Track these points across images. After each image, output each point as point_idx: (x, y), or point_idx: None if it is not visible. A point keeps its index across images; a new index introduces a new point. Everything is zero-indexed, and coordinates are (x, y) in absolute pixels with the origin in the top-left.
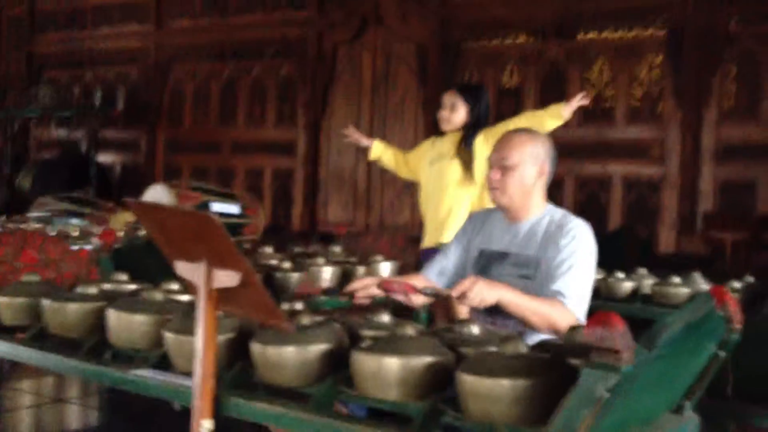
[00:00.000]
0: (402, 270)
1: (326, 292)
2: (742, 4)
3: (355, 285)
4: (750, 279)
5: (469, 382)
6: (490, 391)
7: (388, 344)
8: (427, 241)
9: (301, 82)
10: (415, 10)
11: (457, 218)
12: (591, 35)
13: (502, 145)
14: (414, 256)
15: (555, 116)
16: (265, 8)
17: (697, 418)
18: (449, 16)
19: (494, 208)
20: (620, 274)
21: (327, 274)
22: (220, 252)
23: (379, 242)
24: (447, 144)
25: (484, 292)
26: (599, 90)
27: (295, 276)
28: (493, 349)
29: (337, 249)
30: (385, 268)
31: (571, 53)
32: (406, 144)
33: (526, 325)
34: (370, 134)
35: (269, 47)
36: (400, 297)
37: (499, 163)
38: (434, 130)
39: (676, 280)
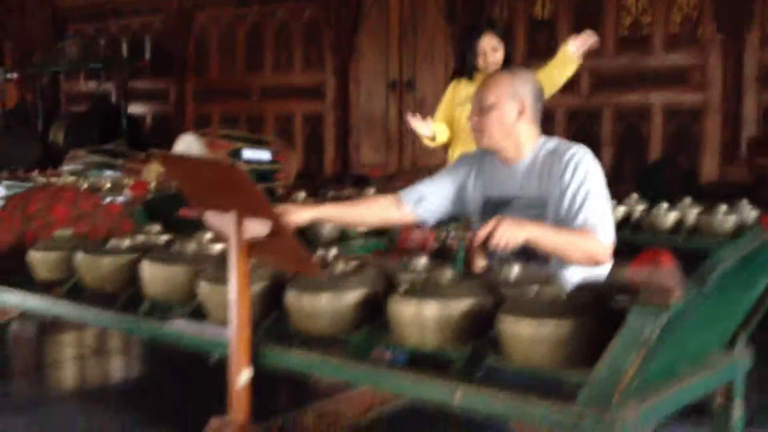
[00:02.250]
0: None
1: (361, 236)
2: None
3: None
4: None
5: (510, 324)
6: (532, 334)
7: (426, 288)
8: None
9: (326, 25)
10: None
11: None
12: None
13: (480, 87)
14: None
15: (563, 62)
16: None
17: (749, 353)
18: None
19: (484, 152)
20: (664, 205)
21: None
22: (249, 202)
23: (411, 182)
24: (475, 85)
25: (512, 231)
26: (636, 17)
27: (331, 225)
28: (533, 290)
29: (371, 191)
30: None
31: None
32: (437, 83)
33: (563, 260)
34: (400, 77)
35: None
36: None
37: (478, 105)
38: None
39: (723, 208)
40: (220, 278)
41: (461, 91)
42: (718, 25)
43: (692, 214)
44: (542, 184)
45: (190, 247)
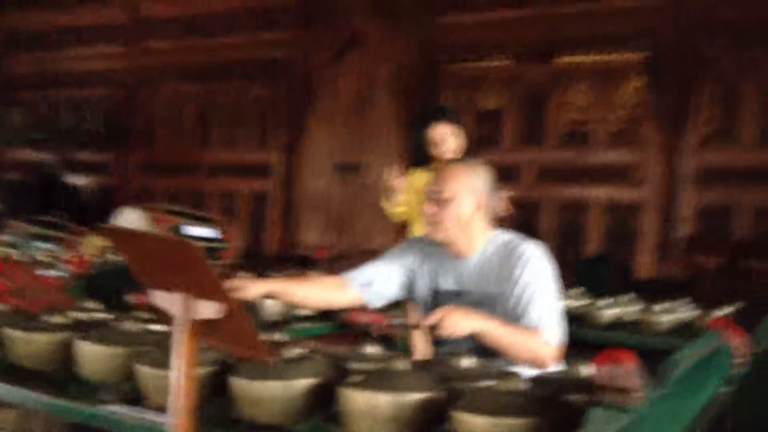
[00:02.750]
0: None
1: (306, 318)
2: (721, 29)
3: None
4: (739, 304)
5: (465, 421)
6: (488, 431)
7: (379, 379)
8: None
9: (278, 104)
10: (393, 32)
11: None
12: (572, 58)
13: (437, 177)
14: None
15: None
16: (241, 30)
17: None
18: (430, 37)
19: (433, 242)
20: (603, 301)
21: None
22: (200, 281)
23: (358, 265)
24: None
25: (460, 322)
26: (579, 113)
27: (273, 304)
28: (488, 384)
29: (316, 273)
30: None
31: (552, 76)
32: (383, 167)
33: (505, 357)
34: (348, 158)
35: (244, 69)
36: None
37: (434, 197)
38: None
39: (664, 306)
40: (161, 361)
41: (418, 180)
42: (657, 125)
43: (632, 310)
44: (493, 280)
45: (129, 326)
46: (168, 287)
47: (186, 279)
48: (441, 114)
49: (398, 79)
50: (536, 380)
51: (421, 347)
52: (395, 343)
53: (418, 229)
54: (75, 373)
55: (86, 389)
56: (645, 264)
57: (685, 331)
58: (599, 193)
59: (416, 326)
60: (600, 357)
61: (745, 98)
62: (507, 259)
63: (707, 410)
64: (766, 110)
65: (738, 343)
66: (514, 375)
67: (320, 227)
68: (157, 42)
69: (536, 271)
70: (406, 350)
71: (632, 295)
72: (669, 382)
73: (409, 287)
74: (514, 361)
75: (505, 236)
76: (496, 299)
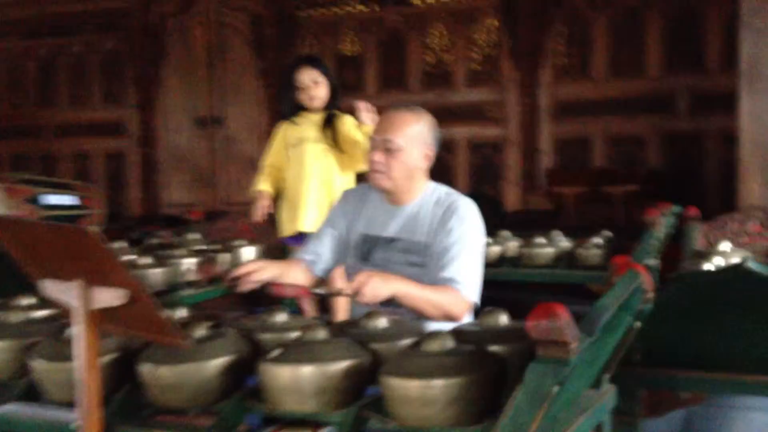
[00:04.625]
0: (267, 253)
1: (191, 284)
2: None
3: (241, 270)
4: (608, 233)
5: (396, 385)
6: (422, 394)
7: (300, 351)
8: (287, 229)
9: (128, 57)
10: None
11: (317, 203)
12: (429, 0)
13: (385, 125)
14: (277, 236)
15: (362, 133)
16: None
17: (613, 389)
18: None
19: (370, 188)
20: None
21: (188, 265)
22: (99, 268)
23: (238, 225)
24: (305, 125)
25: (379, 287)
26: (439, 55)
27: (158, 272)
28: (413, 344)
29: (195, 236)
30: (250, 252)
31: (410, 19)
32: (247, 120)
33: (420, 316)
34: (210, 111)
35: (89, 21)
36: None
37: (383, 146)
38: (276, 103)
39: (541, 240)
40: (59, 354)
41: (290, 132)
42: (514, 64)
43: (512, 246)
44: (427, 231)
45: (13, 317)
46: (61, 276)
47: (82, 266)
48: (309, 60)
49: (254, 27)
50: (458, 335)
51: (343, 310)
52: (282, 301)
53: (289, 182)
54: None
55: None
56: (512, 198)
57: (563, 261)
58: (463, 131)
59: (339, 293)
60: (534, 311)
61: (596, 33)
62: (442, 211)
63: (619, 349)
64: (615, 44)
65: (645, 279)
66: (439, 333)
67: (184, 184)
68: None
69: (468, 227)
70: (295, 310)
71: (508, 231)
72: (597, 329)
73: (348, 242)
74: (429, 319)
75: (442, 188)
76: (425, 248)
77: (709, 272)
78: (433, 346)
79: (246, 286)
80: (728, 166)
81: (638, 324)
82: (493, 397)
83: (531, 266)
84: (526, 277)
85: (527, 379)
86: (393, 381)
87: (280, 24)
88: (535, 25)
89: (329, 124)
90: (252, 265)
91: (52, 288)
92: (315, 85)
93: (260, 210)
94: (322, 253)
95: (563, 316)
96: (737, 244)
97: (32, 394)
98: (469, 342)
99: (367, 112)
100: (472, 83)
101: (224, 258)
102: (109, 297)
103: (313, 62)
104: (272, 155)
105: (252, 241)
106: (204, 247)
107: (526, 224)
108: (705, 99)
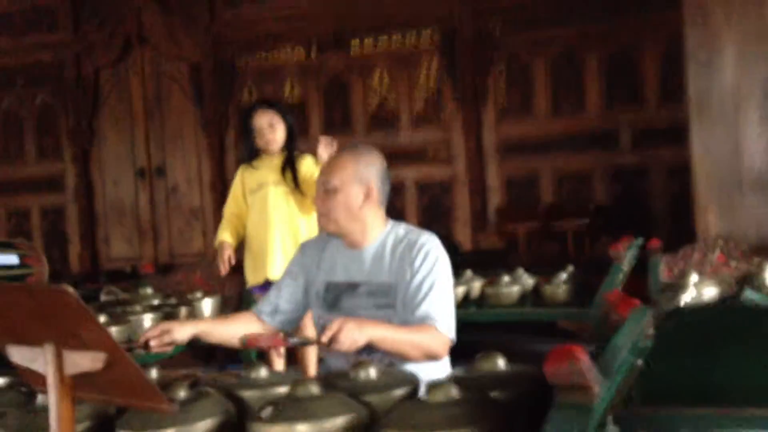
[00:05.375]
0: (225, 304)
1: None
2: (505, 10)
3: (151, 332)
4: (570, 269)
5: None
6: None
7: (292, 408)
8: (254, 278)
9: (62, 110)
10: (182, 28)
11: (283, 248)
12: (367, 45)
13: (326, 166)
14: (235, 286)
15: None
16: (10, 32)
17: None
18: (220, 32)
19: (329, 236)
20: None
21: (148, 321)
22: (72, 330)
23: (191, 277)
24: (265, 169)
25: (354, 334)
26: (382, 97)
27: (117, 330)
28: (403, 393)
29: (148, 290)
30: (208, 304)
31: (351, 63)
32: (189, 170)
33: (401, 358)
34: (149, 163)
35: (21, 75)
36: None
37: (322, 188)
38: (218, 152)
39: (505, 278)
40: (30, 426)
41: (250, 177)
42: (457, 104)
43: (476, 286)
44: (391, 271)
45: None
46: (29, 341)
47: (52, 329)
48: (265, 103)
49: (192, 77)
50: (458, 383)
51: (313, 362)
52: (247, 355)
53: (252, 229)
54: None
55: None
56: (462, 237)
57: (528, 299)
58: (411, 173)
59: (316, 342)
60: (552, 355)
61: (535, 73)
62: (405, 250)
63: (623, 389)
64: (554, 83)
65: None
66: (442, 383)
67: (128, 238)
68: None
69: (434, 263)
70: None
71: (469, 271)
72: (614, 371)
73: (309, 290)
74: (409, 360)
75: (401, 227)
76: (391, 289)
77: (707, 305)
78: (438, 396)
79: (160, 349)
80: (675, 198)
81: (640, 362)
82: None
83: (497, 306)
84: (494, 318)
85: (549, 429)
86: None
87: (219, 73)
88: (474, 67)
89: (289, 166)
90: (161, 327)
91: (19, 354)
92: (271, 128)
93: (225, 262)
94: (280, 304)
95: (584, 358)
96: (702, 275)
97: None
98: (471, 390)
99: (326, 146)
100: (417, 124)
101: (183, 312)
102: (84, 361)
103: (270, 105)
104: (232, 202)
105: (208, 293)
106: (160, 302)
107: (480, 264)
108: (647, 133)
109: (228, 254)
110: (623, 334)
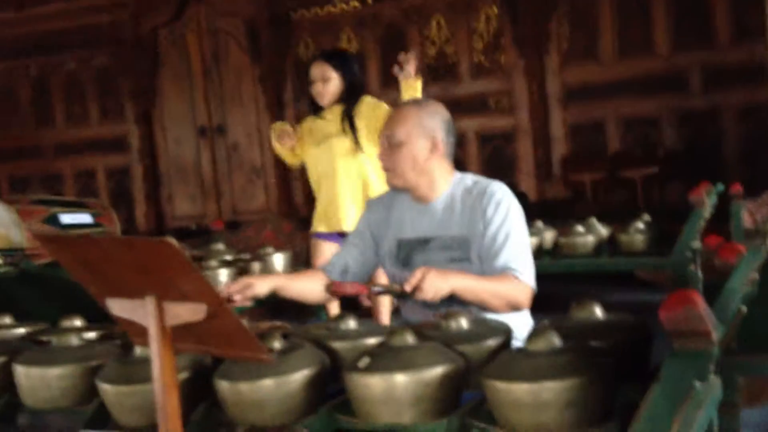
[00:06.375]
0: (295, 259)
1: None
2: None
3: (233, 287)
4: (647, 217)
5: (505, 389)
6: (535, 398)
7: (391, 358)
8: (322, 226)
9: (121, 71)
10: None
11: (353, 199)
12: None
13: (388, 120)
14: (303, 241)
15: (409, 88)
16: None
17: (719, 380)
18: None
19: (395, 192)
20: None
21: (223, 276)
22: (172, 282)
23: (261, 233)
24: (329, 120)
25: (438, 282)
26: (440, 46)
27: None
28: (497, 343)
29: (220, 246)
30: (279, 259)
31: (407, 12)
32: (249, 127)
33: (483, 308)
34: (210, 121)
35: (80, 37)
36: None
37: (386, 141)
38: (276, 107)
39: (579, 228)
40: (130, 376)
41: (317, 128)
42: (518, 51)
43: (549, 237)
44: (463, 223)
45: (69, 340)
46: (130, 293)
47: (152, 281)
48: (323, 54)
49: (248, 32)
50: (558, 331)
51: (387, 312)
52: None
53: (322, 179)
54: (17, 404)
55: (36, 420)
56: (526, 187)
57: (604, 249)
58: (472, 124)
59: (401, 292)
60: (668, 301)
61: (601, 14)
62: (477, 201)
63: (728, 336)
64: (621, 23)
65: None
66: (543, 331)
67: (191, 196)
68: None
69: (508, 211)
70: (324, 315)
71: (540, 222)
72: (730, 316)
73: (380, 251)
74: (493, 311)
75: (469, 177)
76: (465, 241)
77: None
78: (539, 345)
79: (242, 303)
80: (748, 142)
81: (744, 308)
82: (609, 397)
83: (572, 256)
84: (568, 268)
85: (665, 375)
86: (501, 385)
87: (275, 27)
88: (536, 10)
89: (347, 120)
90: (243, 282)
91: (120, 307)
92: (323, 82)
93: (287, 134)
94: (349, 264)
95: (701, 303)
96: None
97: (102, 419)
98: (570, 338)
99: (410, 63)
100: (477, 74)
101: (256, 267)
102: (185, 312)
103: (326, 56)
104: (296, 147)
105: (279, 248)
106: (233, 258)
107: (547, 214)
108: (718, 74)
109: (289, 130)
110: (736, 278)
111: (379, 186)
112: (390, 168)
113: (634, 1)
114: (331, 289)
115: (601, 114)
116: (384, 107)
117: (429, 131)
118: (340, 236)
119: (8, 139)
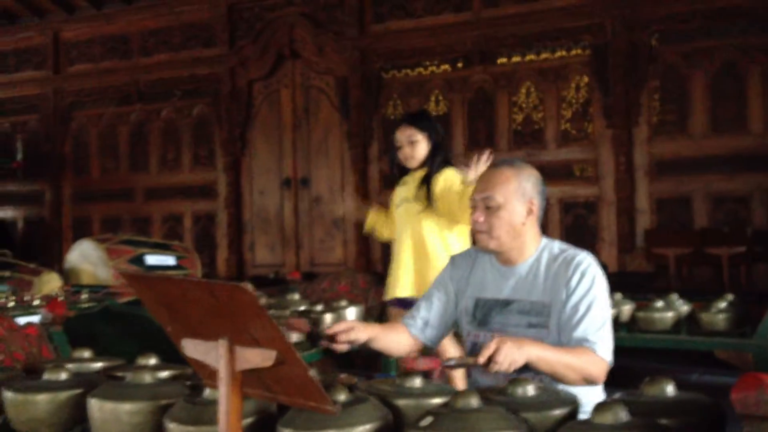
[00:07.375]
0: (368, 313)
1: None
2: (661, 22)
3: (338, 327)
4: (730, 297)
5: None
6: None
7: (453, 420)
8: (389, 293)
9: (216, 121)
10: (332, 42)
11: (415, 268)
12: (515, 59)
13: (484, 182)
14: (377, 296)
15: (462, 194)
16: (172, 47)
17: None
18: (368, 46)
19: (477, 251)
20: None
21: None
22: (245, 327)
23: (336, 285)
24: (410, 184)
25: (514, 354)
26: (528, 112)
27: None
28: (562, 413)
29: (295, 296)
30: (352, 312)
31: (497, 77)
32: (333, 179)
33: (557, 380)
34: (295, 172)
35: (179, 87)
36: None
37: (483, 204)
38: (362, 163)
39: (659, 303)
40: (197, 417)
41: (398, 193)
42: (606, 121)
43: (626, 309)
44: (546, 289)
45: (143, 377)
46: (203, 335)
47: (228, 325)
48: (408, 117)
49: (339, 89)
50: (627, 406)
51: (461, 377)
52: (390, 365)
53: (394, 245)
54: None
55: None
56: (607, 258)
57: (683, 326)
58: (555, 191)
59: (474, 364)
60: (740, 383)
61: (693, 88)
62: (561, 268)
63: None
64: (713, 99)
65: None
66: (611, 404)
67: (271, 246)
68: (83, 65)
69: (593, 283)
70: (396, 371)
71: (619, 294)
72: None
73: (458, 304)
74: (567, 383)
75: (556, 244)
76: (545, 308)
77: None
78: (606, 418)
79: (341, 347)
80: None
81: None
82: None
83: (649, 331)
84: (646, 343)
85: None
86: None
87: (366, 86)
88: (627, 82)
89: (425, 183)
90: (347, 324)
91: (194, 347)
92: (410, 145)
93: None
94: (431, 319)
95: None
96: None
97: None
98: (639, 414)
99: (481, 163)
100: (563, 141)
101: (327, 319)
102: (255, 357)
103: (412, 119)
104: (375, 216)
105: (353, 302)
106: (307, 308)
107: (626, 287)
108: None
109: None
110: None
111: (443, 253)
112: (485, 230)
113: (728, 77)
114: (405, 368)
115: (689, 188)
116: (457, 188)
117: (527, 194)
118: (398, 301)
119: (106, 182)
